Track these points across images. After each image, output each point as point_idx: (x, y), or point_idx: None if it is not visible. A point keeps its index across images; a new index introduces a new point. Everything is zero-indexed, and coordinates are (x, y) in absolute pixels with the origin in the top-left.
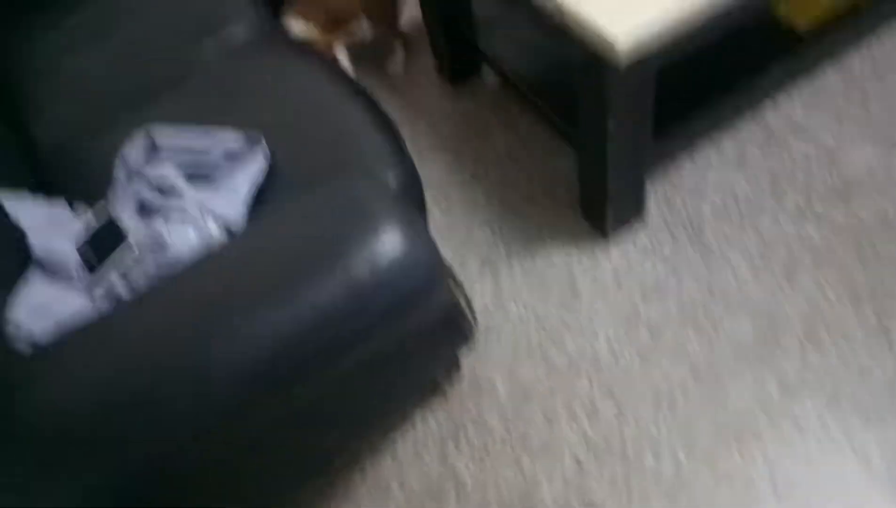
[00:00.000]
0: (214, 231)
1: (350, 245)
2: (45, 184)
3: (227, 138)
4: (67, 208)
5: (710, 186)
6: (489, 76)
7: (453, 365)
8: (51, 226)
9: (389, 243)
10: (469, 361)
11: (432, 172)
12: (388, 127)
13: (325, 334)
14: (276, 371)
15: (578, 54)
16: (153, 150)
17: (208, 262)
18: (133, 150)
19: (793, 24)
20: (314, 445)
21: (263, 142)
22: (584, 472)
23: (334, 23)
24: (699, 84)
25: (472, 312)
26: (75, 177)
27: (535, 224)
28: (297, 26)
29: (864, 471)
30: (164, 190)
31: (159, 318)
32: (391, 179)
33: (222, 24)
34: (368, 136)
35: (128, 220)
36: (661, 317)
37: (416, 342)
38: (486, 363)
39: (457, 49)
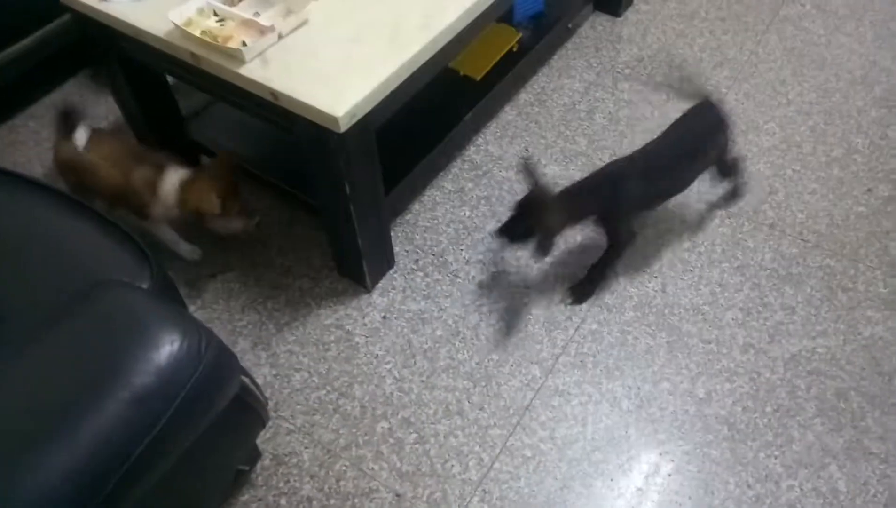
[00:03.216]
0: None
1: (126, 357)
2: None
3: None
4: None
5: (441, 221)
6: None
7: (254, 452)
8: None
9: (166, 342)
10: (267, 441)
11: (177, 271)
12: (121, 234)
13: (117, 452)
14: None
15: (302, 130)
16: None
17: None
18: None
19: (471, 77)
20: None
21: None
22: (403, 501)
23: None
24: (413, 140)
25: (262, 394)
26: None
27: (298, 294)
28: None
29: (617, 413)
30: None
31: None
32: (144, 285)
33: None
34: (104, 248)
35: None
36: (432, 342)
37: (214, 435)
38: (283, 437)
39: (170, 143)
